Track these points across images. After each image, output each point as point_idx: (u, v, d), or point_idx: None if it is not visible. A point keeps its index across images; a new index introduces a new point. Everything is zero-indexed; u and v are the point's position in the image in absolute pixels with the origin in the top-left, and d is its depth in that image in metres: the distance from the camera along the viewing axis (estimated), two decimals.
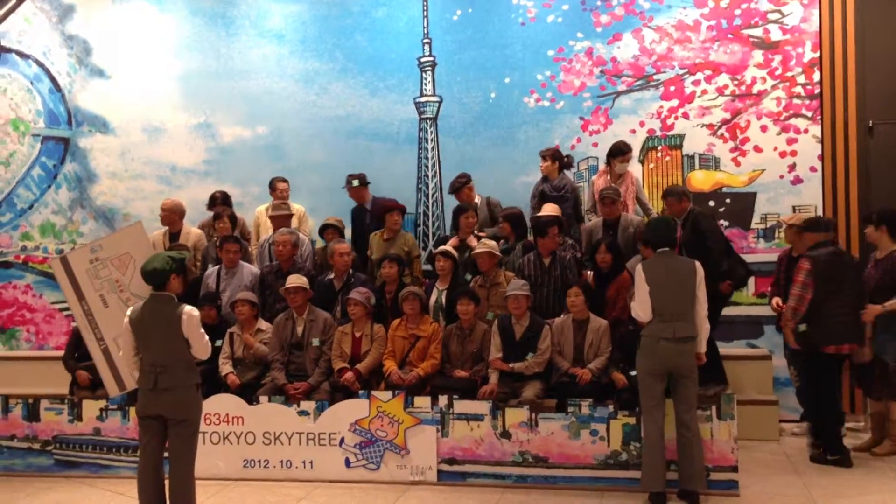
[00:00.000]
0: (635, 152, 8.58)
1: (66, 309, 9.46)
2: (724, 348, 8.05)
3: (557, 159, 8.13)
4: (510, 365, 6.69)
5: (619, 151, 7.99)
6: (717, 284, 6.97)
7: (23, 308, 9.91)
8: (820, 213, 8.16)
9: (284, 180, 8.84)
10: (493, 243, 7.40)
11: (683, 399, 5.73)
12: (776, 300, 7.18)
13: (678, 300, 5.72)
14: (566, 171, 8.23)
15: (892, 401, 6.73)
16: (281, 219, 8.19)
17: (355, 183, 8.40)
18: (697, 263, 5.84)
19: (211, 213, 8.83)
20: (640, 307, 5.78)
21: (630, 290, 6.43)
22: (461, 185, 8.18)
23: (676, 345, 5.65)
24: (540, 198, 8.08)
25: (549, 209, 7.79)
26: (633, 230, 7.46)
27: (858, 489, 5.95)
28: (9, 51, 10.00)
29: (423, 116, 9.25)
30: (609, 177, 8.03)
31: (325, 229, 8.09)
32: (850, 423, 7.88)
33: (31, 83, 9.99)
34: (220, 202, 8.78)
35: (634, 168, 8.45)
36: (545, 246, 7.26)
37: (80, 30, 9.92)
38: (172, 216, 8.45)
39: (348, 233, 8.55)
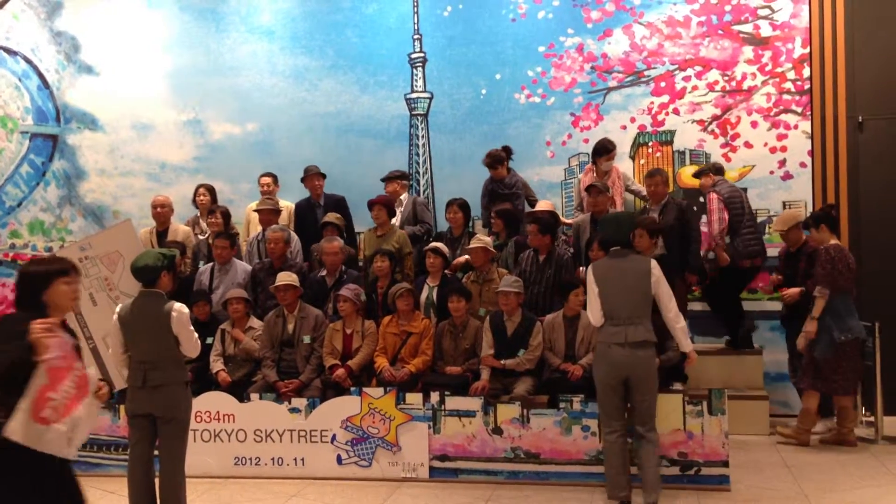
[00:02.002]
0: (626, 148, 8.61)
1: None
2: (715, 343, 8.09)
3: (501, 161, 8.12)
4: (501, 362, 6.68)
5: (604, 150, 7.99)
6: (686, 276, 7.45)
7: (12, 306, 9.83)
8: (810, 208, 8.19)
9: (268, 175, 8.82)
10: (487, 239, 7.39)
11: (639, 410, 5.37)
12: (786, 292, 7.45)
13: (631, 303, 5.31)
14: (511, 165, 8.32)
15: (812, 391, 7.01)
16: (267, 213, 8.17)
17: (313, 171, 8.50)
18: (653, 262, 5.43)
19: (196, 211, 8.81)
20: (591, 311, 5.48)
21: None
22: (393, 177, 8.35)
23: (630, 350, 5.26)
24: (490, 197, 8.17)
25: (544, 205, 7.80)
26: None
27: (850, 483, 5.98)
28: None
29: (413, 113, 9.24)
30: (595, 174, 8.03)
31: (324, 227, 8.06)
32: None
33: (20, 80, 9.94)
34: (210, 199, 8.76)
35: (625, 164, 8.45)
36: (534, 244, 7.26)
37: (69, 26, 9.87)
38: (169, 212, 8.44)
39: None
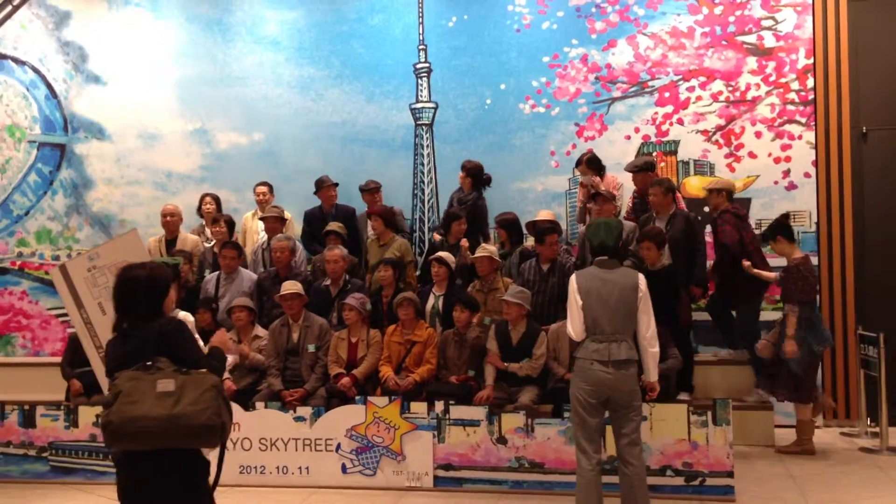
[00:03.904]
0: (629, 156, 8.58)
1: (62, 315, 9.48)
2: (720, 353, 8.08)
3: (471, 175, 8.18)
4: (505, 364, 6.71)
5: (577, 163, 8.06)
6: (691, 288, 7.39)
7: (19, 314, 9.90)
8: (814, 218, 8.21)
9: (263, 184, 8.88)
10: (492, 248, 7.42)
11: (624, 433, 4.93)
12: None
13: (616, 317, 4.90)
14: (483, 189, 8.30)
15: (799, 403, 7.06)
16: (272, 220, 8.22)
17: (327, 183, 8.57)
18: (641, 276, 5.07)
19: (202, 219, 8.85)
20: (571, 324, 5.01)
21: None
22: (372, 188, 8.43)
23: (613, 370, 4.84)
24: (448, 206, 8.29)
25: (546, 214, 7.82)
26: (627, 236, 7.48)
27: (854, 494, 5.97)
28: (5, 57, 10.02)
29: (418, 122, 9.28)
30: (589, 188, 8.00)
31: (326, 235, 8.11)
32: (845, 427, 7.94)
33: (28, 89, 10.00)
34: (216, 207, 8.81)
35: (627, 174, 8.45)
36: (544, 253, 7.28)
37: (77, 36, 9.94)
38: (178, 221, 8.48)
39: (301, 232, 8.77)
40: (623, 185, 8.27)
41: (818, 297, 8.07)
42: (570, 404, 5.07)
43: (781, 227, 7.11)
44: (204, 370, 3.39)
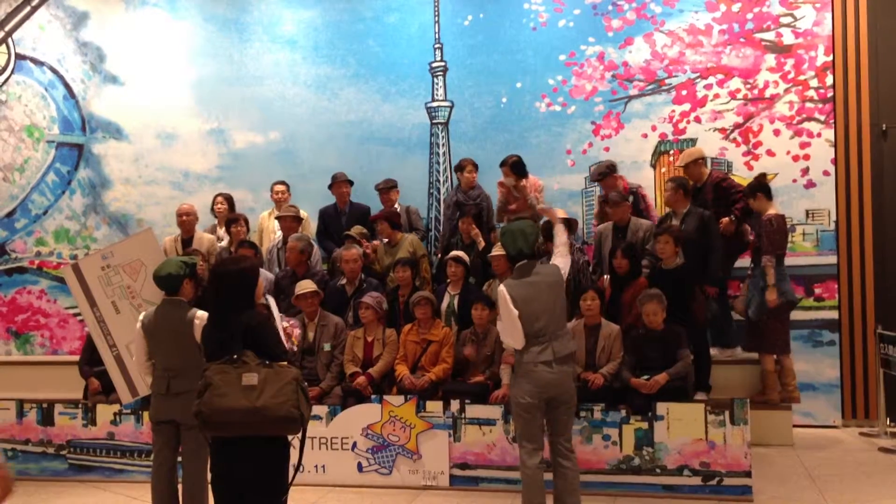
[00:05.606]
0: (647, 156, 8.56)
1: (80, 314, 9.53)
2: (737, 353, 8.03)
3: (476, 168, 8.36)
4: None
5: (501, 164, 8.10)
6: (706, 287, 7.27)
7: (37, 313, 9.98)
8: (834, 217, 8.14)
9: (281, 183, 8.91)
10: None
11: (562, 429, 5.11)
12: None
13: (552, 316, 5.01)
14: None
15: (765, 353, 7.24)
16: (288, 220, 8.25)
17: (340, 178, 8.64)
18: (559, 263, 5.18)
19: (214, 219, 8.88)
20: (511, 335, 5.01)
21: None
22: (390, 187, 8.50)
23: (558, 367, 4.96)
24: (455, 207, 8.28)
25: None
26: (642, 234, 7.46)
27: (874, 494, 5.92)
28: (23, 58, 10.09)
29: (434, 121, 9.27)
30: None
31: (345, 238, 8.12)
32: (864, 427, 7.87)
33: (46, 90, 10.08)
34: (227, 207, 8.84)
35: (646, 172, 8.42)
36: None
37: (94, 37, 10.00)
38: (194, 220, 8.51)
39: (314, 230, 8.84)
40: (545, 187, 8.31)
41: (837, 294, 8.06)
42: (513, 408, 5.13)
43: (761, 186, 7.25)
44: (285, 363, 3.73)
